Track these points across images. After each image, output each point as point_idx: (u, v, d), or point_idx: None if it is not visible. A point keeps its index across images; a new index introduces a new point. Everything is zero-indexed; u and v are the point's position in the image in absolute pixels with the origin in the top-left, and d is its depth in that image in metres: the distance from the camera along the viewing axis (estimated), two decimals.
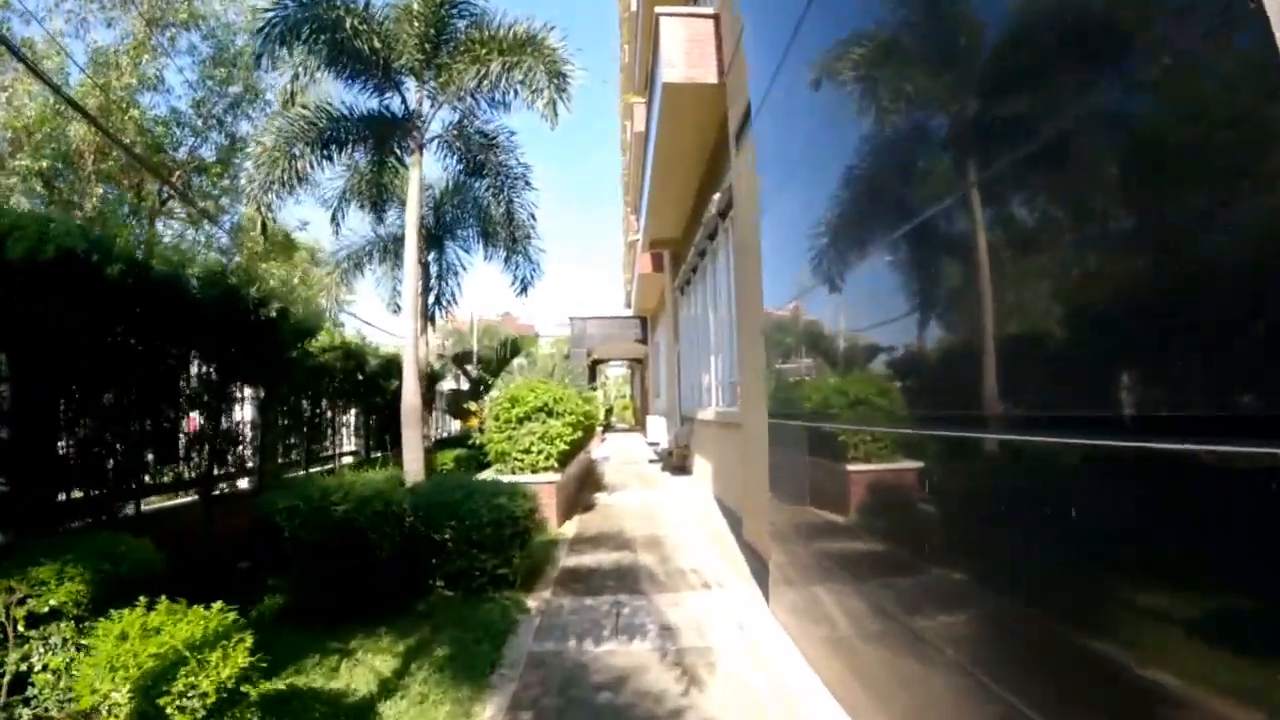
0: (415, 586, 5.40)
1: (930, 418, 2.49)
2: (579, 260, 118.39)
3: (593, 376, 32.33)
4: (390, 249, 11.55)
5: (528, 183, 9.48)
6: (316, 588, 4.77)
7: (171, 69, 18.11)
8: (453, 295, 11.35)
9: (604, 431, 28.35)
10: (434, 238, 11.03)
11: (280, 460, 8.85)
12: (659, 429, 15.76)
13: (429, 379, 12.01)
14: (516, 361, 51.58)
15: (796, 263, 4.18)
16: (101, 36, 15.08)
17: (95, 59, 14.67)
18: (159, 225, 17.79)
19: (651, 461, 16.77)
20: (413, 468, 7.52)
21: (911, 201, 2.50)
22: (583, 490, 11.23)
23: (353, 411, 10.77)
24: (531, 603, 5.23)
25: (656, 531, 7.77)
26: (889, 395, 2.84)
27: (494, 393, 8.48)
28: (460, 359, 12.53)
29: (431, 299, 10.92)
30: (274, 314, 5.82)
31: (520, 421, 7.88)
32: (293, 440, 9.01)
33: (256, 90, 16.74)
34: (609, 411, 39.00)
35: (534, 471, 7.90)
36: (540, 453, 7.82)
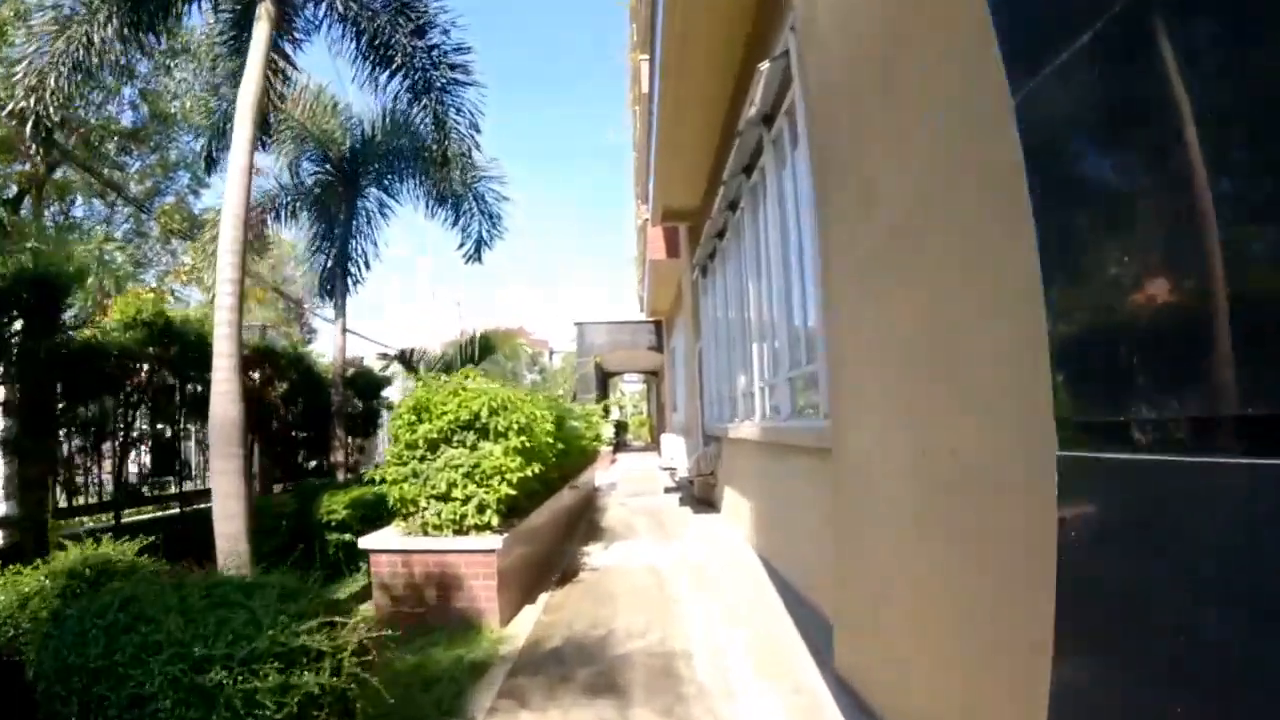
0: None
1: None
2: (601, 285, 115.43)
3: (603, 389, 29.10)
4: (314, 199, 8.27)
5: (467, 73, 6.26)
6: None
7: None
8: (365, 259, 8.08)
9: (615, 452, 25.02)
10: (350, 179, 7.81)
11: (79, 501, 5.63)
12: (676, 450, 12.43)
13: (360, 384, 8.74)
14: (530, 377, 48.41)
15: None
16: None
17: None
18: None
19: (668, 491, 13.37)
20: (228, 528, 4.22)
21: None
22: (567, 540, 7.87)
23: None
24: None
25: (672, 639, 4.39)
26: None
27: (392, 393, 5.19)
28: (408, 359, 9.36)
29: (340, 266, 7.64)
30: None
31: (432, 446, 4.57)
32: (103, 469, 5.80)
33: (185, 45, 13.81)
34: (622, 428, 35.68)
35: (458, 531, 4.58)
36: (469, 501, 4.49)
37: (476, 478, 4.45)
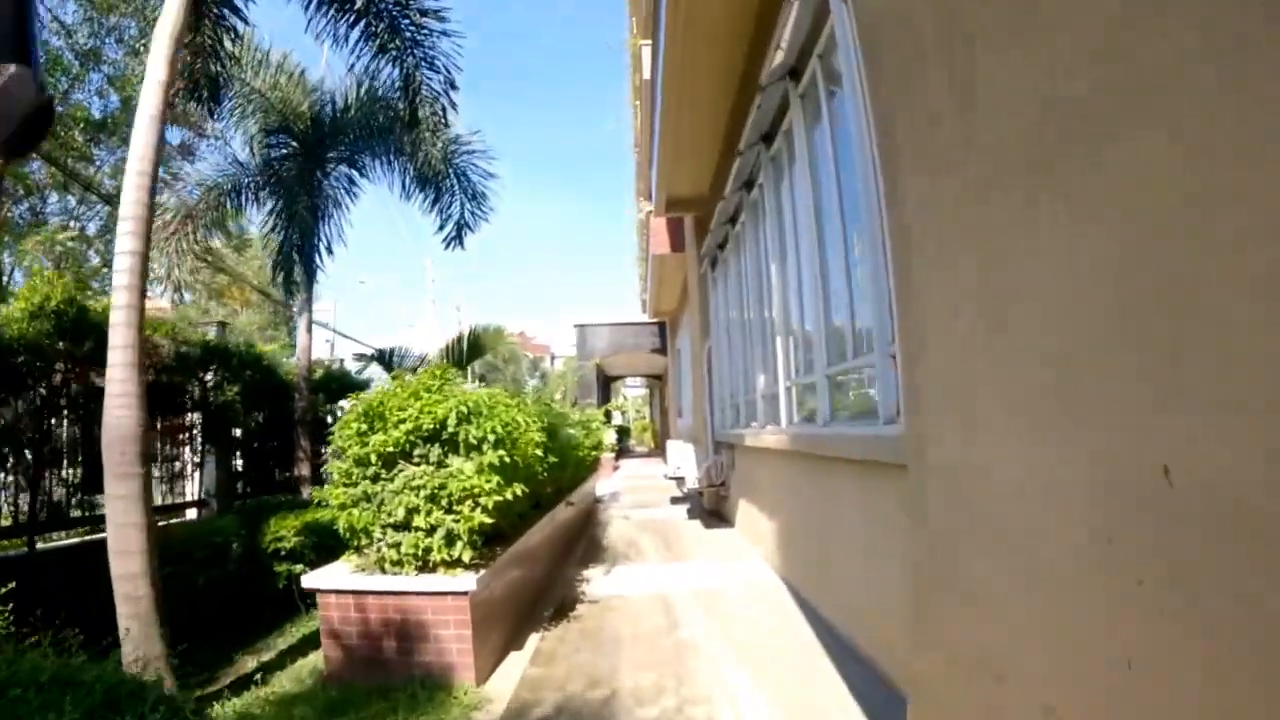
0: None
1: None
2: (603, 287, 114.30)
3: (605, 393, 28.23)
4: (276, 178, 7.27)
5: (441, 20, 5.32)
6: None
7: None
8: (329, 244, 7.13)
9: (618, 459, 24.09)
10: (316, 156, 6.87)
11: None
12: (684, 459, 11.52)
13: (333, 389, 7.82)
14: (532, 383, 47.18)
15: None
16: None
17: None
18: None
19: (674, 501, 12.45)
20: (125, 566, 3.30)
21: None
22: (564, 563, 6.94)
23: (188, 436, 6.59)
24: None
25: (692, 705, 3.46)
26: None
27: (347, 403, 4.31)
28: (388, 359, 8.42)
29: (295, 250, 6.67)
30: None
31: (387, 463, 3.64)
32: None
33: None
34: (624, 434, 34.76)
35: (422, 568, 3.66)
36: (434, 531, 3.56)
37: (443, 502, 3.52)
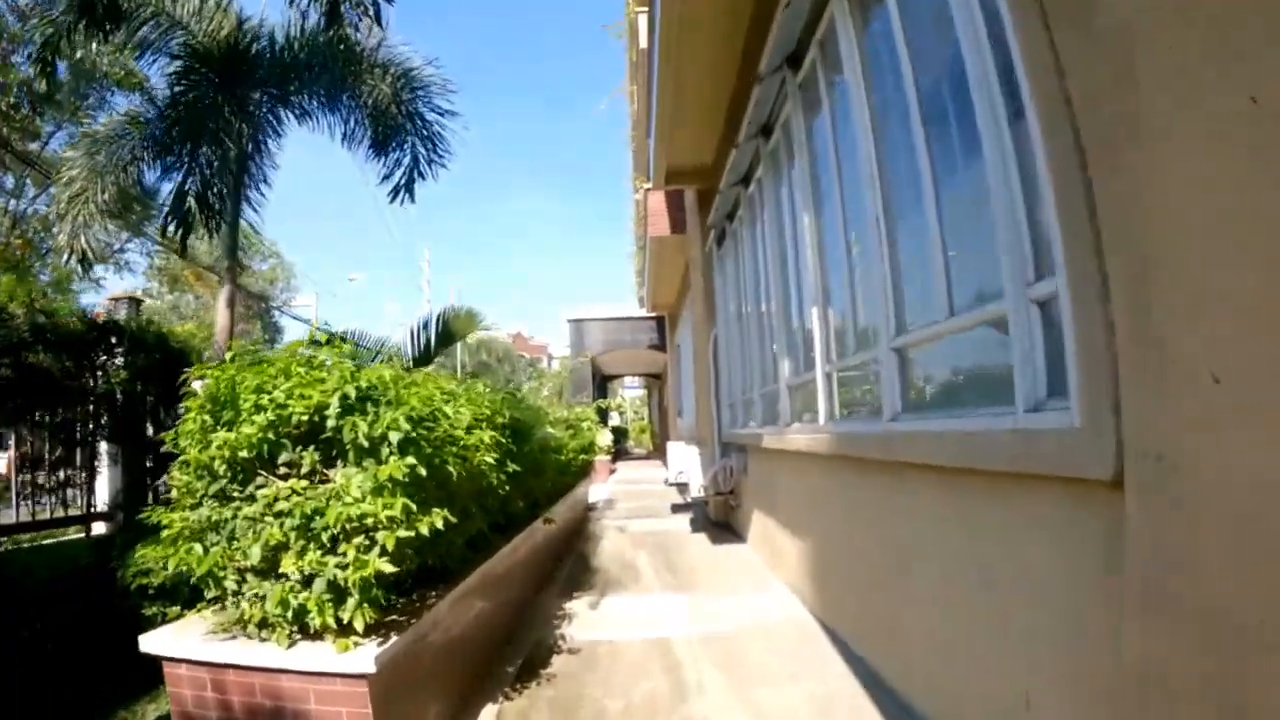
0: None
1: None
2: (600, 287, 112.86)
3: (601, 394, 27.01)
4: (194, 115, 5.87)
5: None
6: None
7: None
8: (259, 182, 5.77)
9: (614, 461, 22.85)
10: (235, 91, 5.54)
11: None
12: (688, 462, 10.27)
13: None
14: (528, 384, 45.86)
15: None
16: None
17: None
18: None
19: (676, 509, 11.16)
20: None
21: None
22: (542, 591, 5.67)
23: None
24: None
25: None
26: None
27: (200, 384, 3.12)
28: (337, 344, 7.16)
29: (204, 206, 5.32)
30: None
31: (242, 474, 2.37)
32: None
33: None
34: (622, 434, 33.51)
35: (301, 633, 2.38)
36: (311, 581, 2.29)
37: (322, 537, 2.25)
